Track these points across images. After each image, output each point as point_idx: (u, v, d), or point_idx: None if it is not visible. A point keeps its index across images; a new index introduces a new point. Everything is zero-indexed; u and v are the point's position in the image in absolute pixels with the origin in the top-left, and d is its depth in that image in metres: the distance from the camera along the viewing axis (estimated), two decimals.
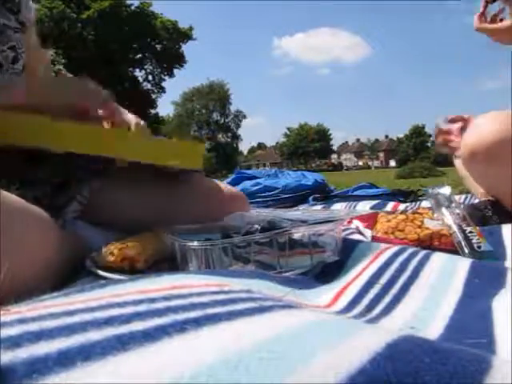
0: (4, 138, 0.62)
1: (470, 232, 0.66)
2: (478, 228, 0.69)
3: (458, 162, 1.01)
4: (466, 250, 0.63)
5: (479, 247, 0.63)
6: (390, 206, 1.44)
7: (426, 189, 0.82)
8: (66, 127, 0.65)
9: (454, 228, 0.68)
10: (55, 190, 0.74)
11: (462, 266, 0.50)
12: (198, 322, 0.20)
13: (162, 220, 0.66)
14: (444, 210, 0.73)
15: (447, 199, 0.75)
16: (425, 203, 1.37)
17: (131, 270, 0.56)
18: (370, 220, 0.80)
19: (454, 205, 0.73)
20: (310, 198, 1.81)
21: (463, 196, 1.56)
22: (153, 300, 0.22)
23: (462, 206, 0.78)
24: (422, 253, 0.55)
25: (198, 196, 0.80)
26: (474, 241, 0.64)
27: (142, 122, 0.75)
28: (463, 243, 0.64)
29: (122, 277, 0.52)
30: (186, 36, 22.06)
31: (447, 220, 0.70)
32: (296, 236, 0.55)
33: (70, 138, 0.65)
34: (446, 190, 0.78)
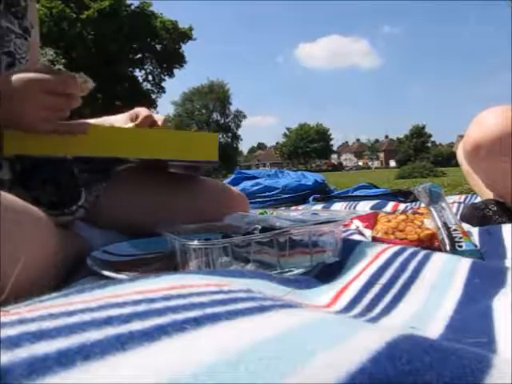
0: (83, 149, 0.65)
1: (455, 230, 0.67)
2: (463, 226, 0.71)
3: (460, 157, 1.01)
4: (448, 248, 0.65)
5: (460, 246, 0.64)
6: (390, 206, 1.44)
7: (414, 187, 0.82)
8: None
9: (439, 225, 0.69)
10: (59, 192, 0.74)
11: (463, 265, 0.50)
12: (197, 322, 0.20)
13: (163, 221, 0.66)
14: (432, 207, 0.73)
15: (437, 197, 0.75)
16: None
17: None
18: (370, 220, 0.80)
19: (442, 203, 0.74)
20: (310, 198, 1.81)
21: (463, 196, 1.56)
22: (152, 300, 0.22)
23: (457, 205, 0.78)
24: (422, 253, 0.55)
25: (199, 196, 0.80)
26: (456, 239, 0.65)
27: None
28: (446, 241, 0.66)
29: (122, 276, 0.52)
30: (186, 36, 22.05)
31: (434, 217, 0.71)
32: (296, 236, 0.55)
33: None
34: (436, 188, 0.78)
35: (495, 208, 0.86)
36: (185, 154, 0.70)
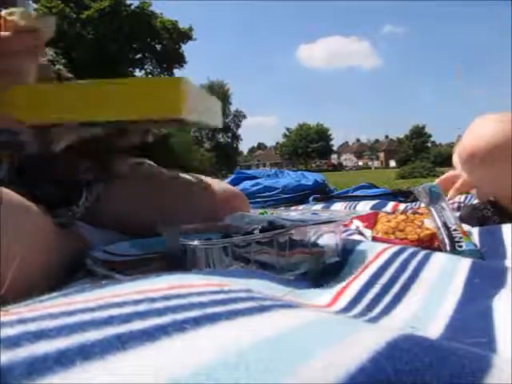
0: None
1: (455, 230, 0.67)
2: (463, 226, 0.70)
3: (456, 163, 1.01)
4: (448, 248, 0.64)
5: (460, 246, 0.64)
6: (390, 206, 1.43)
7: (414, 187, 0.82)
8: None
9: (439, 225, 0.69)
10: (59, 191, 0.74)
11: (463, 265, 0.50)
12: (197, 322, 0.19)
13: (162, 220, 0.66)
14: (432, 207, 0.73)
15: (437, 197, 0.75)
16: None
17: None
18: (370, 220, 0.80)
19: (442, 203, 0.74)
20: (310, 198, 1.81)
21: (463, 196, 1.56)
22: (152, 300, 0.22)
23: (456, 205, 0.78)
24: (422, 253, 0.55)
25: (199, 196, 0.80)
26: (456, 239, 0.65)
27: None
28: (446, 241, 0.66)
29: (121, 276, 0.52)
30: (186, 36, 22.07)
31: (434, 217, 0.71)
32: (296, 236, 0.55)
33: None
34: (436, 188, 0.78)
35: (494, 208, 0.86)
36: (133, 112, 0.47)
